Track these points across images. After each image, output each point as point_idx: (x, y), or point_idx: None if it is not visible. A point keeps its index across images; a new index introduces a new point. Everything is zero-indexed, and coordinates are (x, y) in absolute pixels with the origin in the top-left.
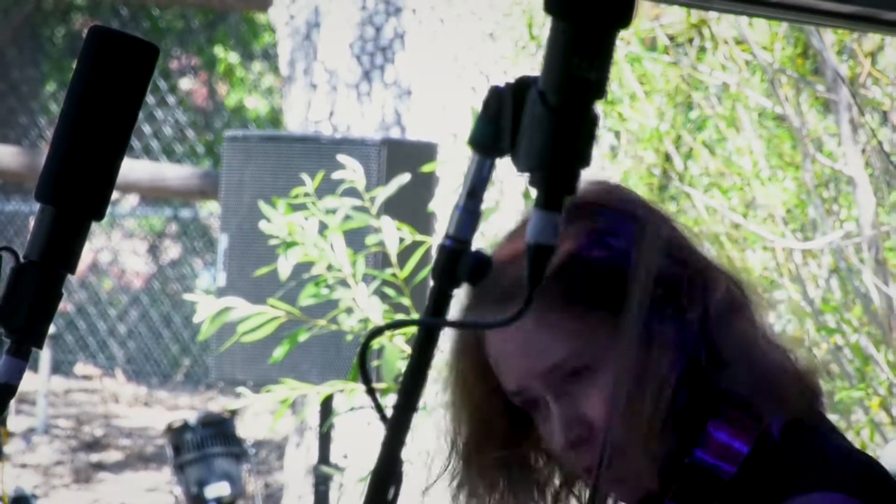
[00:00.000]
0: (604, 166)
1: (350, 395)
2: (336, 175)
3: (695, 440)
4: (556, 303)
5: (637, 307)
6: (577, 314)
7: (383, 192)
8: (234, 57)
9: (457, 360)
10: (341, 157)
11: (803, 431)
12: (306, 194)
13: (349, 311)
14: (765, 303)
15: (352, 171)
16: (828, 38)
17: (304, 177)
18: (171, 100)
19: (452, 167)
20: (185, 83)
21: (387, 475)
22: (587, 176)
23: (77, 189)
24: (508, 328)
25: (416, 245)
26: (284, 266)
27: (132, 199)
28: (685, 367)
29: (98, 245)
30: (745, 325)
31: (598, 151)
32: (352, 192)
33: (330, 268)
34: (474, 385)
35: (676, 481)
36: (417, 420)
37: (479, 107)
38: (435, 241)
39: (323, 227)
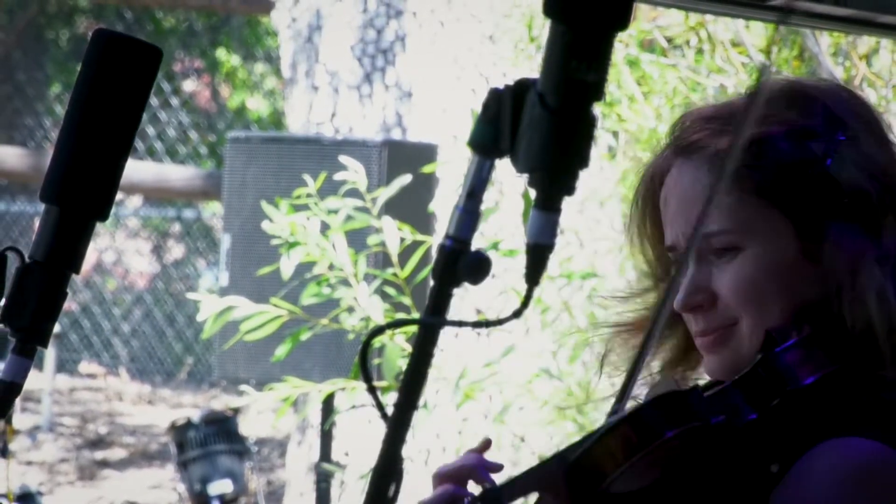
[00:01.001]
0: (602, 166)
1: (351, 394)
2: (338, 176)
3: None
4: (733, 176)
5: (797, 209)
6: (743, 196)
7: (385, 193)
8: (236, 59)
9: (637, 204)
10: (343, 158)
11: None
12: (308, 195)
13: (351, 310)
14: None
15: (353, 171)
16: (823, 41)
17: (307, 177)
18: (174, 101)
19: (452, 168)
20: (189, 85)
21: (388, 472)
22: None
23: (81, 190)
24: (678, 181)
25: (416, 245)
26: (287, 265)
27: (136, 200)
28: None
29: (102, 245)
30: None
31: (597, 152)
32: (353, 193)
33: (332, 267)
34: (646, 228)
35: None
36: (418, 418)
37: (478, 108)
38: (435, 240)
39: (325, 227)
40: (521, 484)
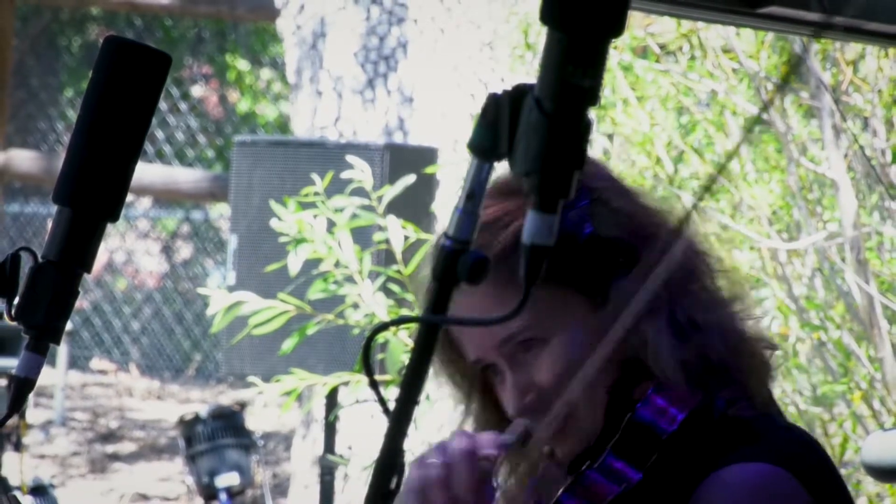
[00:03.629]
0: None
1: (355, 387)
2: (344, 174)
3: (633, 402)
4: (506, 278)
5: (582, 279)
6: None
7: (390, 192)
8: (243, 65)
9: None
10: (349, 158)
11: (746, 404)
12: (315, 193)
13: (355, 306)
14: (716, 262)
15: (359, 171)
16: (812, 47)
17: (314, 177)
18: (183, 106)
19: (453, 170)
20: (197, 90)
21: (390, 465)
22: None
23: (93, 192)
24: (464, 303)
25: (419, 243)
26: (294, 262)
27: (146, 202)
28: (640, 332)
29: (113, 245)
30: (700, 292)
31: (592, 154)
32: (358, 193)
33: (337, 265)
34: (444, 350)
35: (616, 435)
36: (419, 412)
37: (478, 113)
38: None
39: (331, 226)
40: None
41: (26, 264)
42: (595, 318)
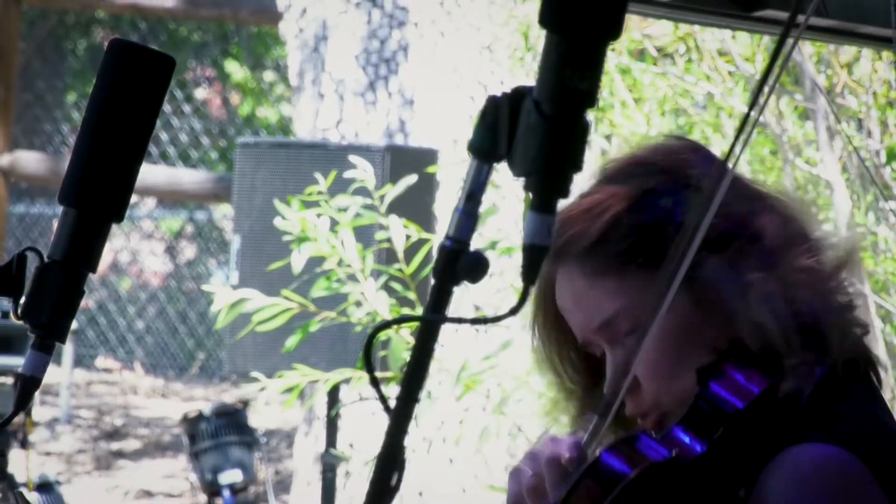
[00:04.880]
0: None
1: (357, 384)
2: (347, 174)
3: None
4: (604, 263)
5: (676, 265)
6: (623, 274)
7: (392, 191)
8: (246, 68)
9: (536, 308)
10: (352, 158)
11: (828, 385)
12: (319, 193)
13: (358, 304)
14: (819, 241)
15: (362, 171)
16: (806, 50)
17: (318, 176)
18: (186, 108)
19: (452, 171)
20: (201, 93)
21: (391, 462)
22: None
23: (98, 193)
24: (564, 286)
25: (421, 242)
26: (297, 260)
27: (150, 203)
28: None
29: (118, 245)
30: (797, 271)
31: (590, 155)
32: (360, 193)
33: (340, 263)
34: (551, 329)
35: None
36: (420, 409)
37: (477, 115)
38: (436, 239)
39: (333, 225)
40: None
41: (32, 264)
42: (687, 299)
